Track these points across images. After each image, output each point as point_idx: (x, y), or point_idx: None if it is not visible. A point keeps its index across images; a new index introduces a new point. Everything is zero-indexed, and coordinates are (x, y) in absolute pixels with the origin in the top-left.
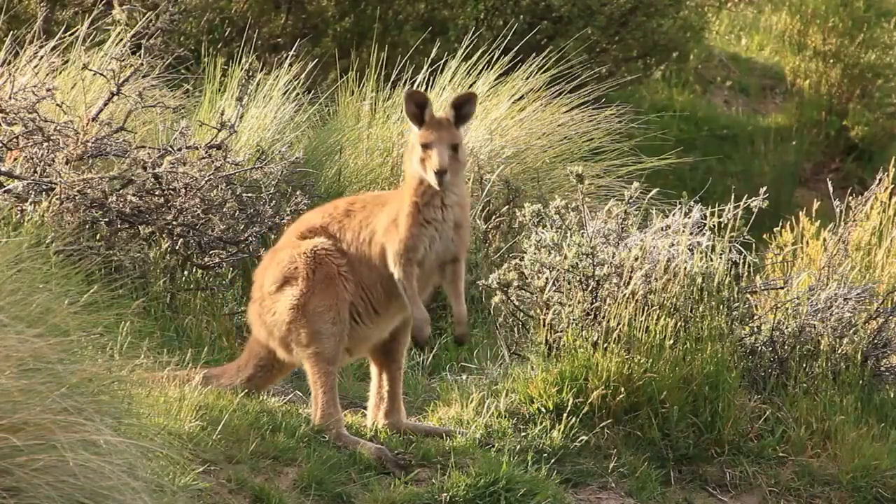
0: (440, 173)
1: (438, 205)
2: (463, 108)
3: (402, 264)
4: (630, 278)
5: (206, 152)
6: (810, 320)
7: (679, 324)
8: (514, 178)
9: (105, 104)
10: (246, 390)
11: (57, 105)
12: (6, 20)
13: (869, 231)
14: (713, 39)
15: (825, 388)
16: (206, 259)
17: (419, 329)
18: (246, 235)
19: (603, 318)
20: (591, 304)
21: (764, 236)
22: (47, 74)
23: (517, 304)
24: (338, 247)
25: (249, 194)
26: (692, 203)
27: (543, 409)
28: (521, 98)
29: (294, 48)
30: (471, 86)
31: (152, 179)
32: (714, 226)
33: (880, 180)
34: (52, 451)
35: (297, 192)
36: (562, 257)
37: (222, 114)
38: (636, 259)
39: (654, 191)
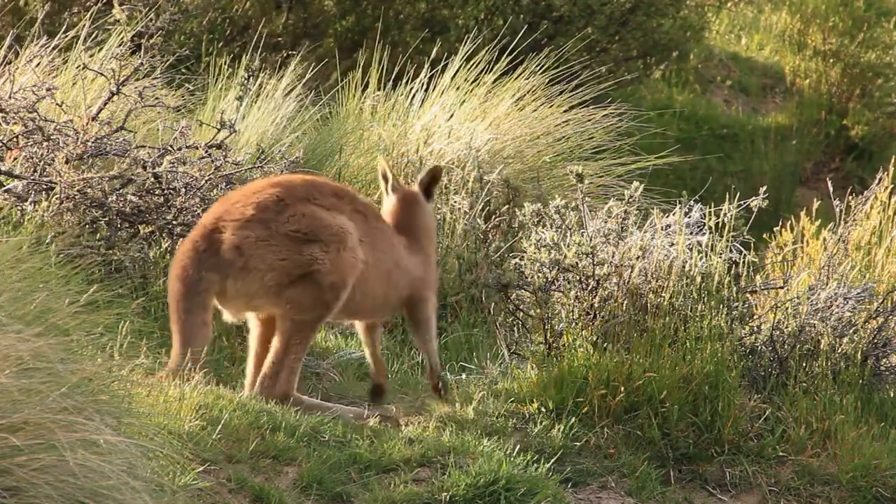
0: None
1: None
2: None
3: None
4: (630, 278)
5: (207, 152)
6: (810, 320)
7: (679, 323)
8: (514, 178)
9: (105, 103)
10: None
11: (57, 104)
12: (7, 20)
13: (869, 231)
14: (713, 39)
15: (825, 388)
16: None
17: None
18: None
19: (603, 317)
20: (591, 303)
21: (764, 236)
22: (47, 74)
23: (517, 303)
24: None
25: None
26: (692, 202)
27: (543, 409)
28: (521, 98)
29: (296, 49)
30: (472, 83)
31: (152, 179)
32: (714, 225)
33: (880, 180)
34: (52, 450)
35: None
36: (562, 257)
37: (223, 113)
38: (636, 258)
39: (654, 188)
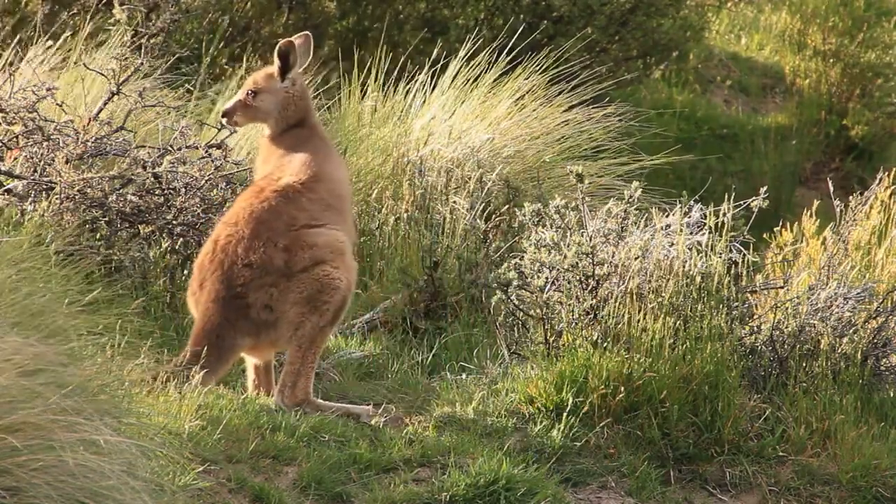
0: None
1: None
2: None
3: None
4: (630, 277)
5: (206, 152)
6: (810, 320)
7: (679, 323)
8: (514, 178)
9: (105, 104)
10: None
11: (57, 104)
12: (7, 20)
13: (869, 231)
14: (713, 39)
15: (825, 388)
16: None
17: None
18: None
19: (603, 317)
20: (591, 303)
21: (764, 236)
22: (48, 74)
23: (517, 303)
24: None
25: None
26: (692, 202)
27: (543, 409)
28: (521, 97)
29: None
30: (472, 83)
31: (152, 179)
32: (714, 225)
33: (880, 180)
34: (52, 450)
35: None
36: (562, 257)
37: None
38: (636, 258)
39: (654, 188)
